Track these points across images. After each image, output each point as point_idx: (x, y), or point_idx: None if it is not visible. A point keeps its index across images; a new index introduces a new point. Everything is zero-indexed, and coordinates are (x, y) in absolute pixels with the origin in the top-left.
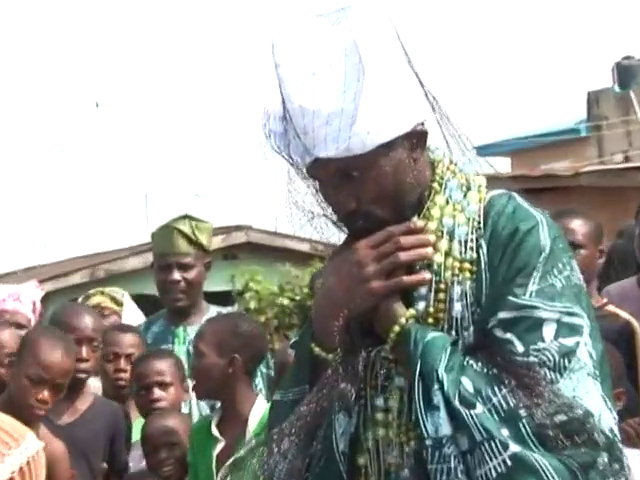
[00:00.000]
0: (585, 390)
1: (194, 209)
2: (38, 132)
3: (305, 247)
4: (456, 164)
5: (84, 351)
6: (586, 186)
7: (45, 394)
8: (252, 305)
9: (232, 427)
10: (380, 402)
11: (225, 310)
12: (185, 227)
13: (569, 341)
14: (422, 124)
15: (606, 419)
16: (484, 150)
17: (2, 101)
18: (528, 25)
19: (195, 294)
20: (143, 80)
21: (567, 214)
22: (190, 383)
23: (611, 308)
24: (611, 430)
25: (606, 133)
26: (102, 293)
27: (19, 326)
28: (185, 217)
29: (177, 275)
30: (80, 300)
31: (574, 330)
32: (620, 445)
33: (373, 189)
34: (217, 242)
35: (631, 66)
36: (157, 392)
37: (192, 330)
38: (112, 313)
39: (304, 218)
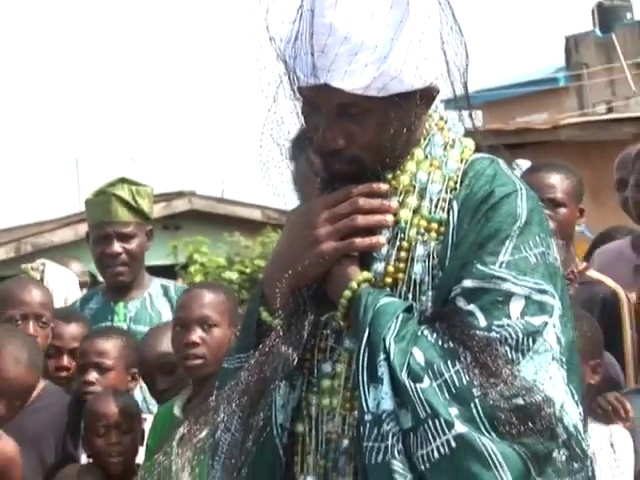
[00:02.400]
0: (548, 375)
1: (130, 174)
2: None
3: (256, 214)
4: (446, 121)
5: (31, 327)
6: (565, 140)
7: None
8: (197, 279)
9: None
10: (327, 368)
11: (171, 282)
12: (124, 192)
13: (536, 320)
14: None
15: (570, 412)
16: (453, 102)
17: None
18: None
19: (138, 266)
20: (71, 34)
21: (546, 168)
22: None
23: (594, 274)
24: (575, 426)
25: (587, 82)
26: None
27: None
28: (122, 181)
29: (117, 247)
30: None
31: (543, 309)
32: (585, 442)
33: (369, 135)
34: (157, 210)
35: (613, 7)
36: (92, 375)
37: (133, 306)
38: None
39: (280, 157)
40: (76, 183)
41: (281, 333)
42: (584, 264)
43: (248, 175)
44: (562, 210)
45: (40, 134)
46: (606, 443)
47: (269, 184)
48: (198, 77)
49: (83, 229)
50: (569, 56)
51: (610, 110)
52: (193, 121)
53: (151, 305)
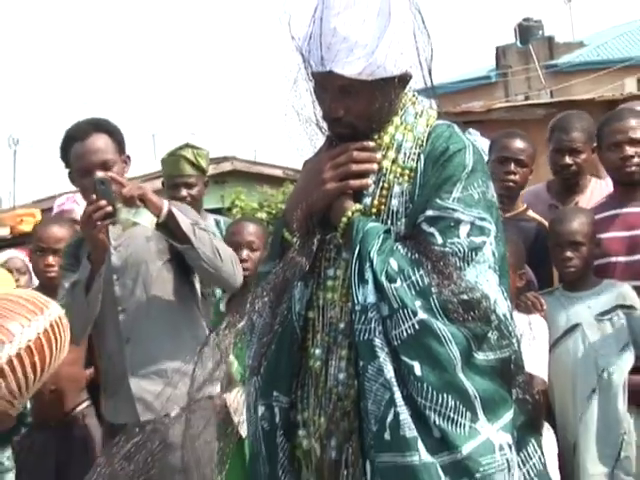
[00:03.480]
0: (485, 279)
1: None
2: (64, 86)
3: (279, 172)
4: (417, 98)
5: (244, 254)
6: (496, 119)
7: (49, 259)
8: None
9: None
10: (331, 272)
11: (221, 217)
12: (188, 154)
13: (478, 239)
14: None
15: (501, 305)
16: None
17: (28, 60)
18: None
19: (198, 206)
20: (146, 28)
21: (518, 136)
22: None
23: (531, 213)
24: (504, 315)
25: (510, 79)
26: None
27: (75, 222)
28: (187, 146)
29: (184, 192)
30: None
31: (483, 232)
32: (511, 326)
33: (361, 107)
34: (209, 170)
35: (530, 26)
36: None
37: None
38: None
39: (299, 122)
40: (152, 150)
41: (297, 247)
42: (525, 206)
43: (273, 144)
44: (525, 169)
45: (125, 115)
46: (526, 327)
47: (291, 141)
48: (239, 71)
49: (158, 183)
50: (498, 60)
51: (527, 98)
52: (234, 104)
53: None
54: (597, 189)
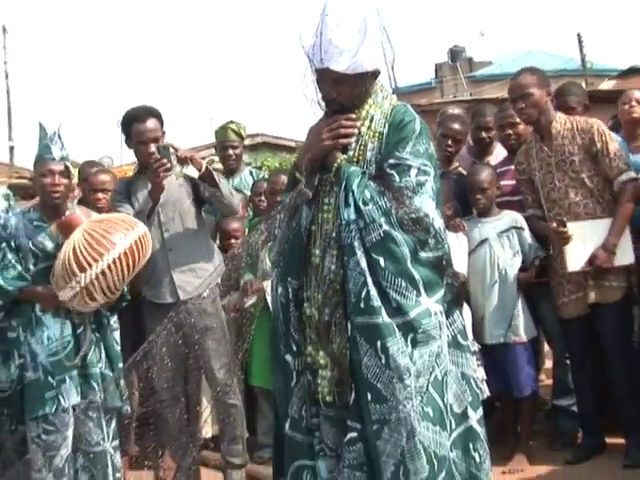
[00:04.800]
0: (427, 204)
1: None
2: (147, 79)
3: (292, 144)
4: (383, 86)
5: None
6: (435, 110)
7: (98, 195)
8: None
9: None
10: (326, 200)
11: (253, 169)
12: (233, 126)
13: (422, 179)
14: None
15: (437, 221)
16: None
17: (125, 63)
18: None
19: (239, 162)
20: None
21: (457, 120)
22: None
23: (460, 169)
24: (439, 228)
25: (444, 85)
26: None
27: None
28: (232, 121)
29: (231, 152)
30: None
31: (426, 174)
32: (443, 236)
33: (348, 91)
34: (246, 141)
35: (457, 50)
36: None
37: (237, 178)
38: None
39: (307, 102)
40: (210, 129)
41: (304, 183)
42: (457, 164)
43: (291, 123)
44: (460, 144)
45: (191, 104)
46: (454, 240)
47: (302, 114)
48: (267, 71)
49: (212, 150)
50: (437, 72)
51: (455, 97)
52: (264, 95)
53: (245, 180)
54: (500, 152)
